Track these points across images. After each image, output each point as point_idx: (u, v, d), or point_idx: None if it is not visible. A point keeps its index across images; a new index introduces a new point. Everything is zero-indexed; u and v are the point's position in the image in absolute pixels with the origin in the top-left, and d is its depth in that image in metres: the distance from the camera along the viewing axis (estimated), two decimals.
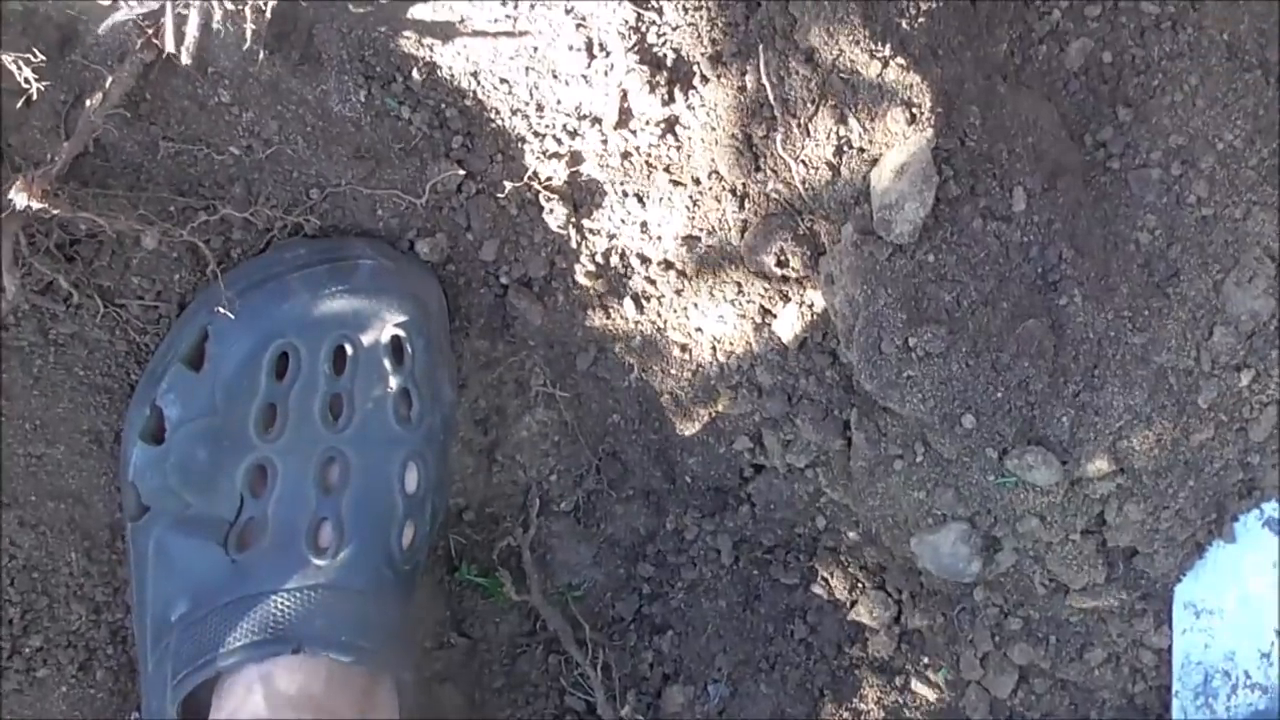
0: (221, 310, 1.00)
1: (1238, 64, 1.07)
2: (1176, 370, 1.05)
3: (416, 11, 0.99)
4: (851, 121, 0.99)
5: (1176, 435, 1.05)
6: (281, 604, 1.04)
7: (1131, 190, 1.07)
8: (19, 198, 0.86)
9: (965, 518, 1.10)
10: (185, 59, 0.86)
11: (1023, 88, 1.06)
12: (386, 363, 1.08)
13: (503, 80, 1.05)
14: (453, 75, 1.04)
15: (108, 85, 0.94)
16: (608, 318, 1.16)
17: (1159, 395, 1.04)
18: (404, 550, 1.10)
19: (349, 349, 1.06)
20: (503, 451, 1.24)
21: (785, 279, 1.09)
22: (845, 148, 0.99)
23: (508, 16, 1.00)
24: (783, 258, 1.07)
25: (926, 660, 1.26)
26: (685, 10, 1.01)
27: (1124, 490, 1.07)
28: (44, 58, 0.88)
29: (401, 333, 1.07)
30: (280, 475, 1.06)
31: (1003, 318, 1.02)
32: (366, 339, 1.06)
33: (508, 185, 1.08)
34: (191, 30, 0.84)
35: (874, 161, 0.99)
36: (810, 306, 1.09)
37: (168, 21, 0.84)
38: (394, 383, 1.08)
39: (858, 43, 0.97)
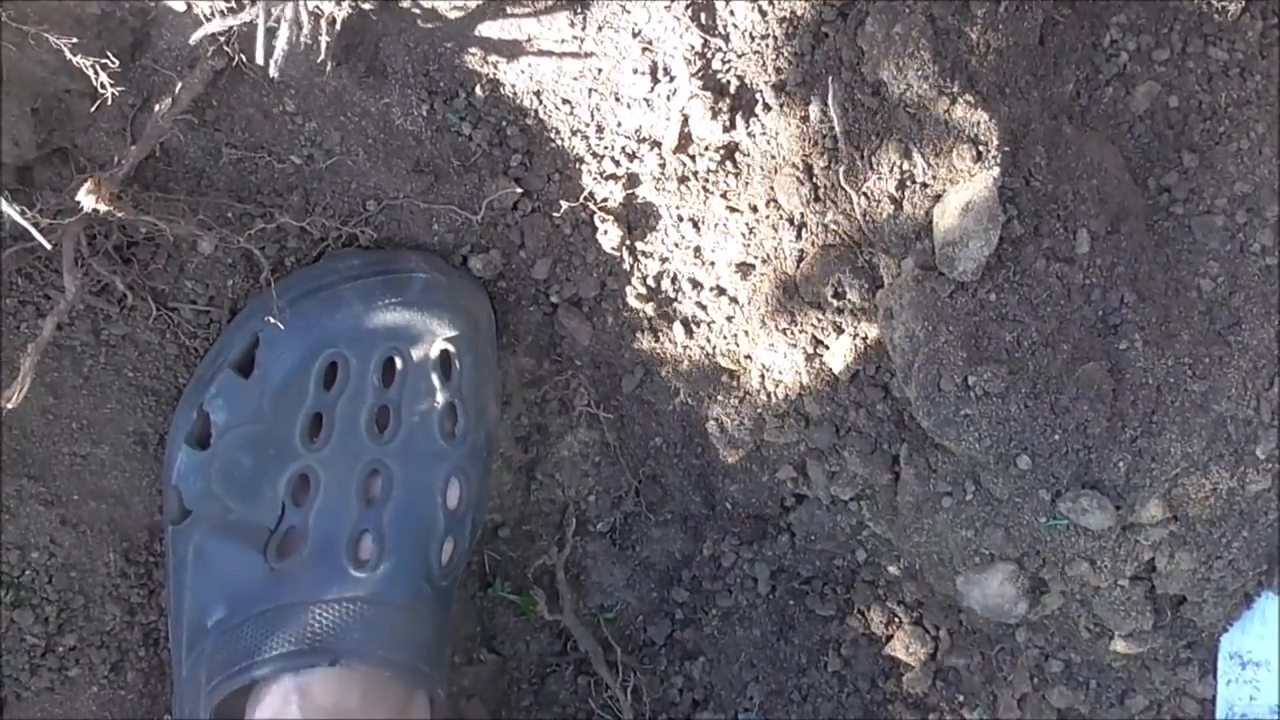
0: (273, 319, 1.00)
1: None
2: (1235, 419, 1.03)
3: (483, 28, 0.99)
4: (916, 156, 0.98)
5: (1233, 485, 1.04)
6: (320, 615, 1.04)
7: (1195, 236, 1.06)
8: (86, 199, 0.86)
9: (1014, 559, 1.09)
10: (273, 71, 0.86)
11: (1088, 129, 1.05)
12: (435, 377, 1.07)
13: (565, 100, 1.04)
14: (515, 93, 1.04)
15: (177, 90, 0.94)
16: (656, 341, 1.16)
17: (1217, 444, 1.03)
18: (443, 566, 1.10)
19: (398, 362, 1.06)
20: (542, 470, 1.24)
21: (840, 310, 1.08)
22: (909, 182, 0.98)
23: (574, 37, 1.00)
24: (839, 289, 1.06)
25: (962, 699, 1.25)
26: (751, 38, 1.00)
27: (1176, 538, 1.06)
28: (117, 61, 0.88)
29: (451, 348, 1.07)
30: (323, 485, 1.06)
31: (1063, 360, 1.01)
32: (416, 353, 1.06)
33: (563, 205, 1.08)
34: (281, 44, 0.84)
35: (937, 198, 0.99)
36: (864, 339, 1.08)
37: (260, 35, 0.84)
38: (441, 398, 1.08)
39: (926, 78, 0.96)
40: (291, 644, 1.02)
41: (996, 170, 0.96)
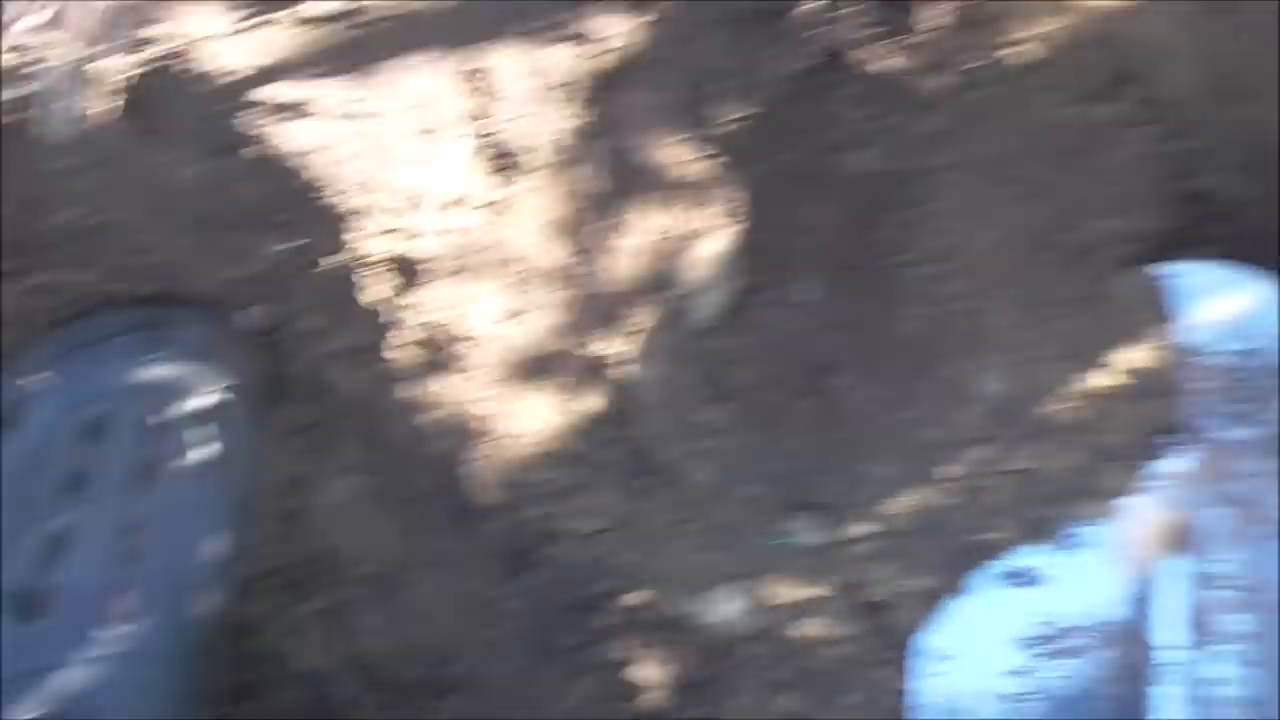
0: (38, 374, 0.99)
1: (995, 178, 1.26)
2: (930, 443, 1.20)
3: (262, 90, 1.02)
4: (667, 213, 1.10)
5: (929, 500, 1.20)
6: (74, 676, 1.02)
7: (903, 284, 1.23)
8: None
9: (743, 576, 1.21)
10: (50, 134, 0.86)
11: (817, 190, 1.20)
12: (200, 430, 1.08)
13: (339, 159, 1.08)
14: (291, 150, 1.07)
15: None
16: (422, 388, 1.20)
17: (914, 465, 1.20)
18: (203, 619, 1.10)
19: (163, 416, 1.06)
20: (307, 518, 1.25)
21: (597, 356, 1.17)
22: (664, 235, 1.10)
23: (354, 99, 1.05)
24: (594, 335, 1.16)
25: (702, 712, 1.35)
26: (525, 101, 1.09)
27: (880, 550, 1.20)
28: None
29: (218, 400, 1.08)
30: (80, 542, 1.04)
31: (787, 395, 1.15)
32: (183, 406, 1.07)
33: (333, 258, 1.12)
34: (59, 105, 0.84)
35: (685, 250, 1.10)
36: (617, 382, 1.18)
37: (36, 98, 0.84)
38: (205, 450, 1.09)
39: (680, 140, 1.08)
40: (44, 707, 1.00)
41: (735, 226, 1.09)
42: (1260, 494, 1.19)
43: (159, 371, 1.04)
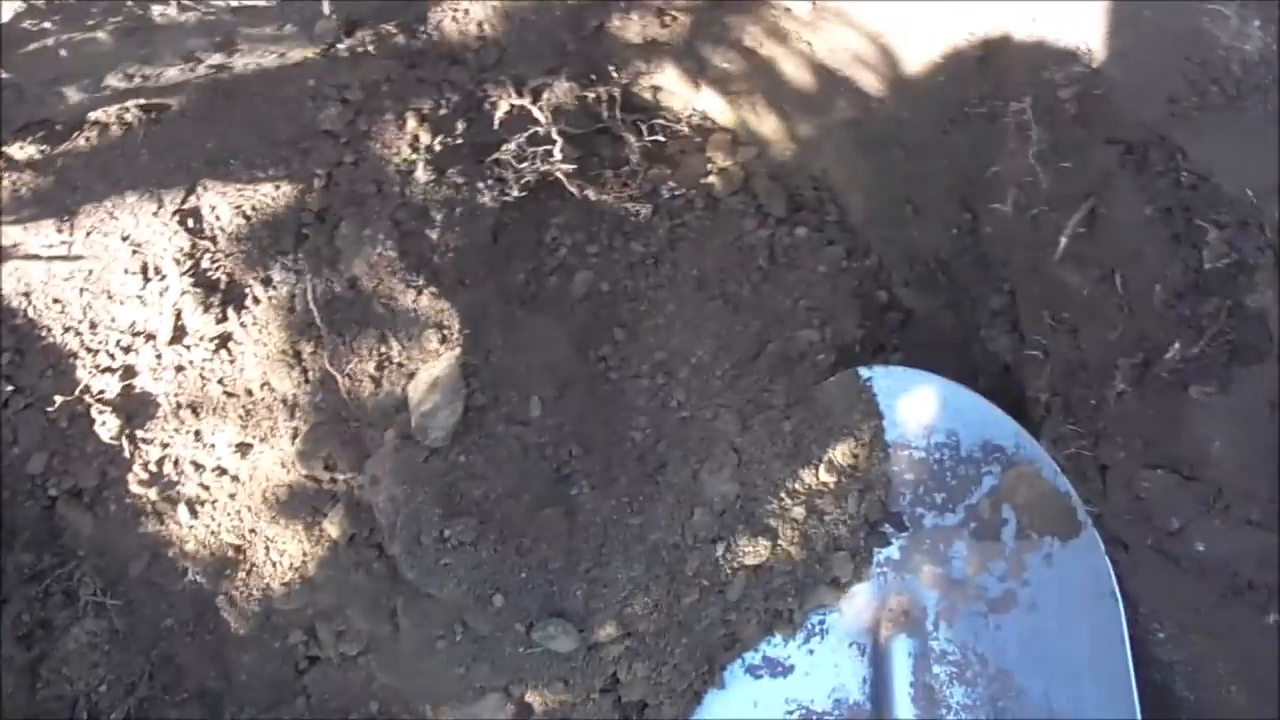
0: None
1: (705, 294, 1.35)
2: (667, 545, 1.25)
3: None
4: (391, 341, 1.14)
5: (670, 600, 1.25)
6: None
7: (627, 397, 1.30)
8: None
9: (500, 687, 1.23)
10: None
11: (538, 311, 1.27)
12: None
13: (56, 300, 1.10)
14: (3, 295, 1.09)
15: None
16: (162, 524, 1.21)
17: (654, 567, 1.25)
18: None
19: None
20: (49, 666, 1.22)
21: (334, 480, 1.20)
22: (386, 363, 1.14)
23: (63, 242, 1.08)
24: (330, 461, 1.18)
25: None
26: (237, 239, 1.13)
27: (631, 651, 1.25)
28: None
29: None
30: None
31: (525, 508, 1.19)
32: None
33: (58, 399, 1.12)
34: None
35: (411, 375, 1.15)
36: (357, 505, 1.21)
37: None
38: None
39: (394, 273, 1.13)
40: None
41: (458, 350, 1.14)
42: (966, 575, 1.28)
43: None
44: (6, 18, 0.82)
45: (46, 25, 0.86)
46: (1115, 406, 1.08)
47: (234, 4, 0.93)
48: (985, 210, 1.27)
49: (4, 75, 0.88)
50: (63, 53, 0.89)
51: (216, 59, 1.02)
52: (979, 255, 1.34)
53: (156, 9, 0.90)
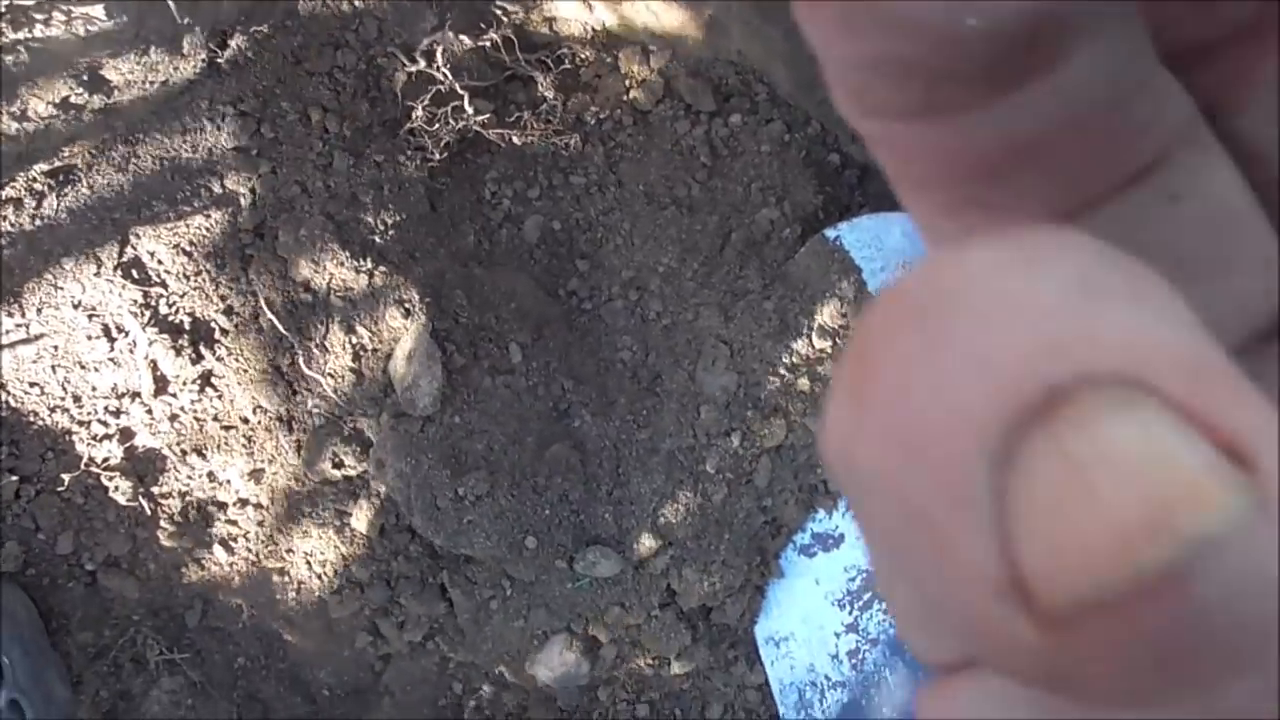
0: None
1: (656, 205, 1.35)
2: (681, 449, 1.27)
3: None
4: (359, 329, 1.16)
5: (700, 500, 1.26)
6: None
7: (606, 322, 1.31)
8: None
9: (563, 628, 1.25)
10: None
11: (496, 266, 1.27)
12: None
13: (33, 384, 1.13)
14: None
15: None
16: (203, 569, 1.24)
17: (675, 473, 1.26)
18: None
19: None
20: None
21: (348, 479, 1.22)
22: (361, 352, 1.16)
23: (18, 325, 1.10)
24: (337, 460, 1.20)
25: None
26: (187, 278, 1.15)
27: (676, 559, 1.26)
28: None
29: None
30: None
31: (531, 450, 1.20)
32: None
33: (66, 478, 1.15)
34: None
35: (388, 356, 1.16)
36: (378, 495, 1.23)
37: None
38: (1, 697, 1.10)
39: (342, 264, 1.15)
40: None
41: (424, 319, 1.15)
42: None
43: None
44: None
45: None
46: None
47: (81, 34, 0.94)
48: None
49: None
50: None
51: (96, 101, 1.03)
52: None
53: (8, 59, 0.92)
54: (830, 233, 1.30)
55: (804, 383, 1.28)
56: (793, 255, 1.33)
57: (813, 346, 1.28)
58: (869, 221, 1.30)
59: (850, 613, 1.33)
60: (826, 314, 1.29)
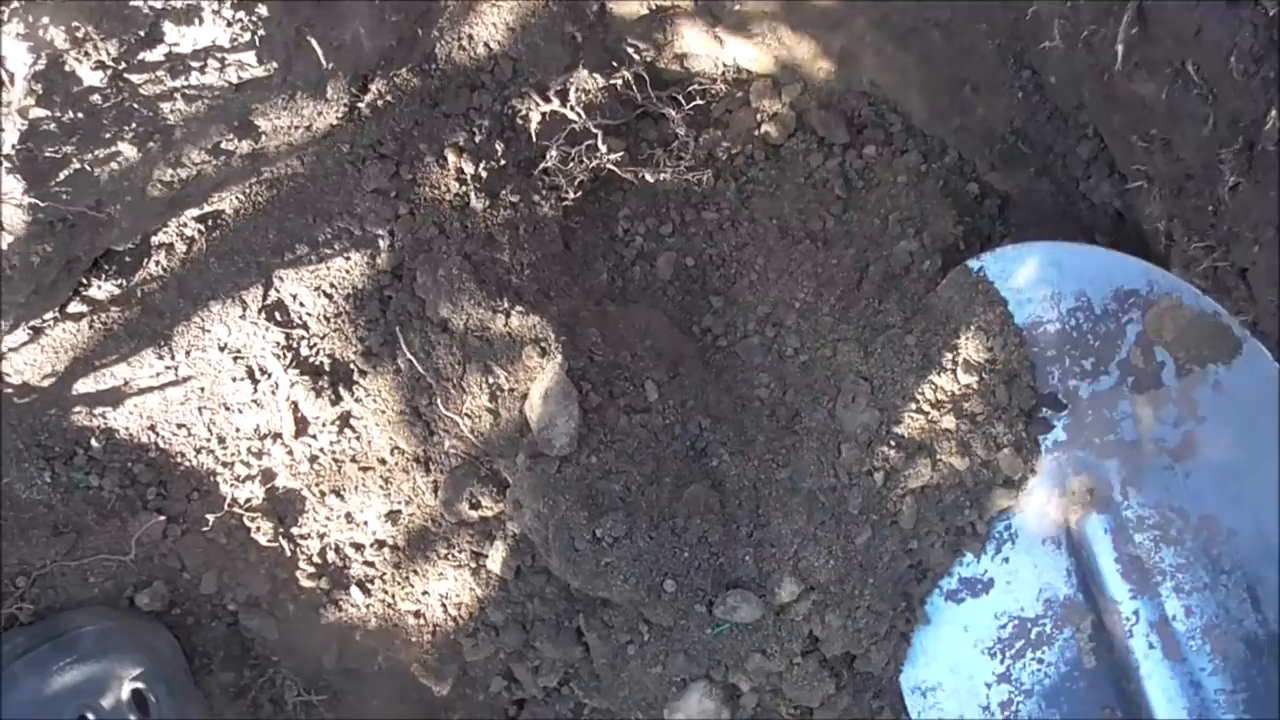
0: None
1: (790, 239, 1.32)
2: (823, 489, 1.22)
3: (79, 386, 1.09)
4: (496, 369, 1.15)
5: (843, 543, 1.21)
6: None
7: (741, 359, 1.28)
8: None
9: (701, 675, 1.22)
10: None
11: (630, 303, 1.26)
12: (133, 718, 1.10)
13: (180, 425, 1.15)
14: (131, 434, 1.14)
15: None
16: (340, 611, 1.24)
17: (816, 513, 1.22)
18: None
19: (91, 716, 1.08)
20: None
21: (484, 519, 1.21)
22: (498, 392, 1.15)
23: (167, 368, 1.12)
24: (474, 500, 1.20)
25: None
26: (327, 320, 1.16)
27: (819, 604, 1.22)
28: None
29: (141, 685, 1.11)
30: None
31: (669, 490, 1.18)
32: (107, 701, 1.09)
33: (210, 518, 1.16)
34: None
35: (524, 396, 1.15)
36: (513, 536, 1.22)
37: None
38: None
39: (479, 304, 1.14)
40: None
41: (560, 358, 1.14)
42: (1139, 433, 1.21)
43: (70, 677, 1.07)
44: (11, 142, 0.85)
45: (67, 149, 0.90)
46: (1233, 203, 1.00)
47: (234, 80, 0.96)
48: (1039, 57, 1.21)
49: (55, 208, 0.93)
50: (95, 172, 0.94)
51: (244, 147, 1.05)
52: (1052, 109, 1.28)
53: (165, 106, 0.94)
54: (974, 264, 1.26)
55: (949, 420, 1.23)
56: (933, 288, 1.29)
57: (957, 382, 1.23)
58: (1013, 251, 1.25)
59: (1002, 662, 1.27)
60: (971, 348, 1.24)
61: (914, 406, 1.24)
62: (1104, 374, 1.24)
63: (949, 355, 1.25)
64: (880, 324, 1.28)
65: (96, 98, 0.94)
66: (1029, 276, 1.25)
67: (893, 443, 1.24)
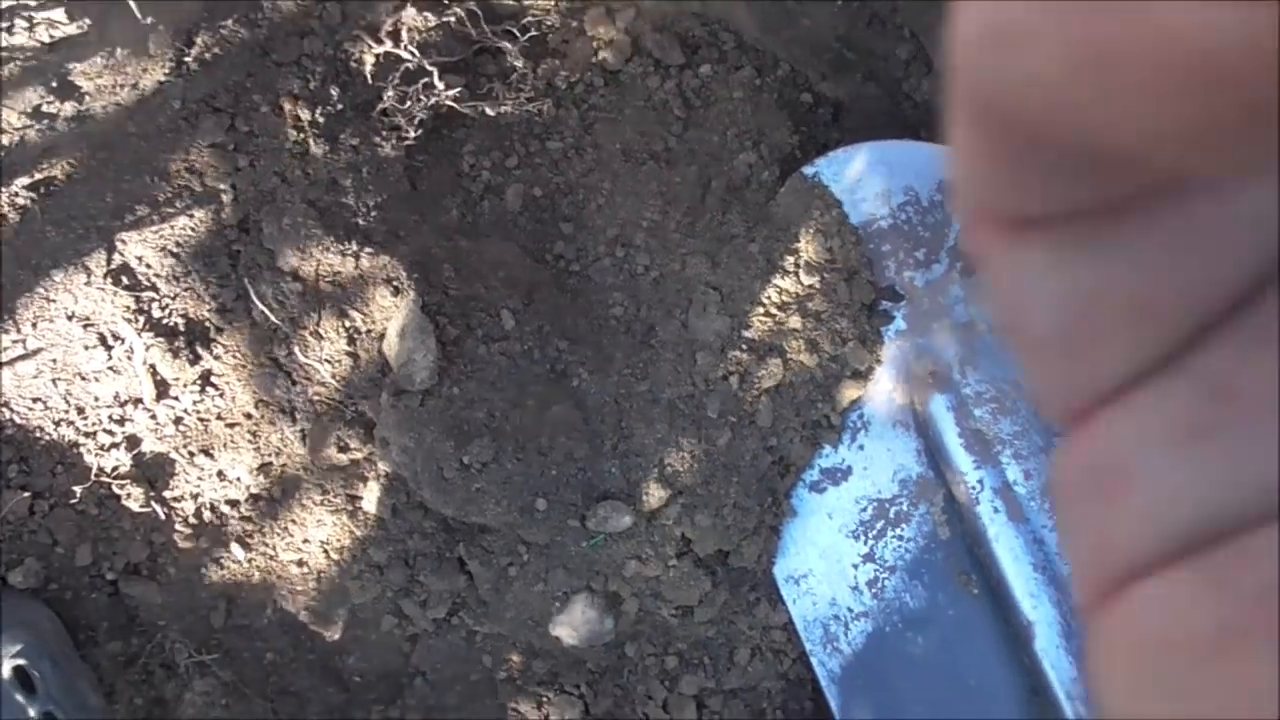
0: None
1: (635, 162, 1.36)
2: (682, 397, 1.27)
3: None
4: (351, 313, 1.17)
5: (705, 446, 1.27)
6: None
7: (595, 281, 1.31)
8: None
9: (583, 587, 1.26)
10: None
11: (481, 237, 1.28)
12: (18, 696, 1.10)
13: (36, 399, 1.14)
14: None
15: None
16: (222, 569, 1.25)
17: (677, 420, 1.27)
18: None
19: None
20: None
21: (355, 462, 1.23)
22: (355, 335, 1.17)
23: (14, 341, 1.11)
24: (343, 444, 1.21)
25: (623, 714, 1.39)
26: (176, 279, 1.15)
27: (688, 507, 1.27)
28: None
29: (22, 661, 1.11)
30: None
31: (532, 413, 1.21)
32: None
33: (78, 490, 1.16)
34: None
35: (382, 336, 1.17)
36: (386, 475, 1.24)
37: None
38: (33, 711, 1.11)
39: (328, 249, 1.15)
40: None
41: (413, 295, 1.16)
42: (970, 314, 1.29)
43: None
44: None
45: None
46: None
47: (46, 40, 0.94)
48: None
49: None
50: None
51: (68, 109, 1.04)
52: (871, 15, 1.34)
53: None
54: (808, 170, 1.31)
55: (795, 320, 1.29)
56: (773, 196, 1.34)
57: (801, 283, 1.29)
58: (844, 154, 1.30)
59: (865, 543, 1.34)
60: (812, 250, 1.29)
61: (762, 310, 1.29)
62: (935, 262, 1.31)
63: (791, 259, 1.30)
64: (725, 235, 1.32)
65: None
66: (860, 177, 1.31)
67: (744, 346, 1.29)
